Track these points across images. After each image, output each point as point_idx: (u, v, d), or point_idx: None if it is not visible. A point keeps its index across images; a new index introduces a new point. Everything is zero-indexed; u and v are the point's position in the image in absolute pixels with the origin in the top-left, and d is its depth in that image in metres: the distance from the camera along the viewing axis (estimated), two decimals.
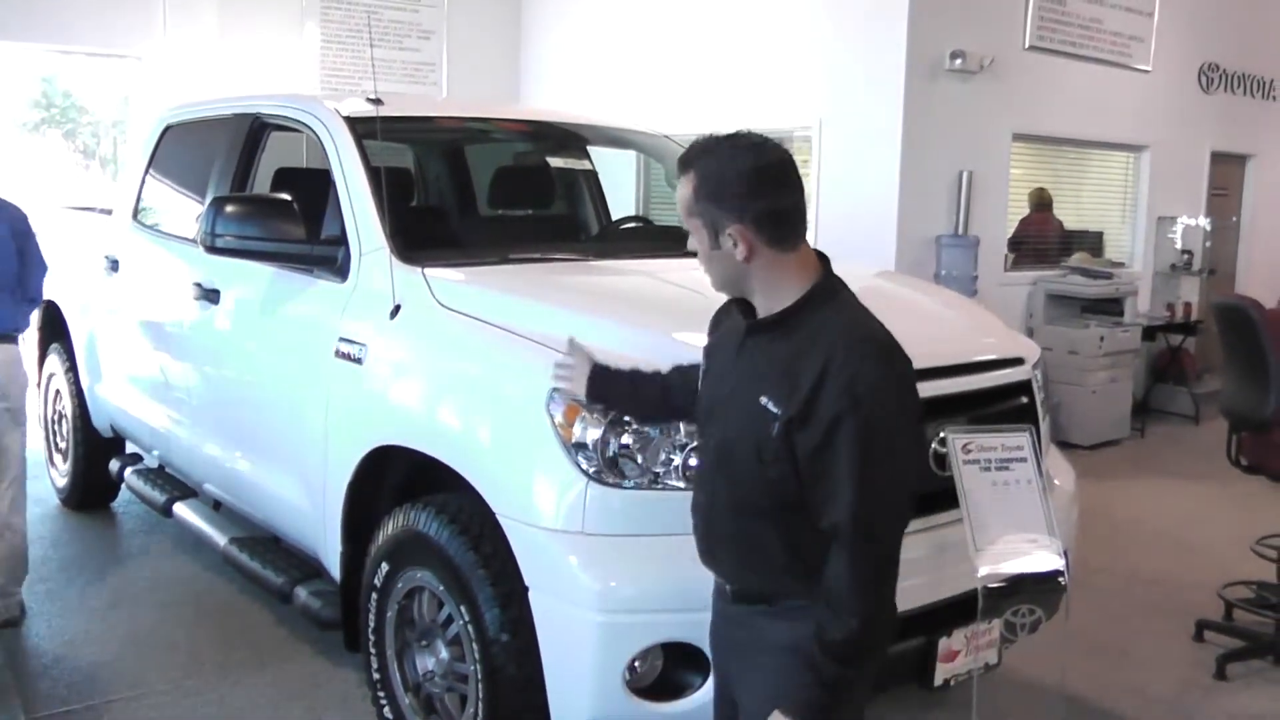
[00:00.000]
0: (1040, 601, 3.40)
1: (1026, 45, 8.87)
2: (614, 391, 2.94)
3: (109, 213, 6.30)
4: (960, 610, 3.22)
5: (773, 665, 2.30)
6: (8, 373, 4.87)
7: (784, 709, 2.19)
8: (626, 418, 3.06)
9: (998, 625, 3.36)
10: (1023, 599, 3.35)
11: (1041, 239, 9.80)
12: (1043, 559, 3.17)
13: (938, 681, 3.29)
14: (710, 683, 2.81)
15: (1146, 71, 10.08)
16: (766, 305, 2.29)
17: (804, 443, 2.15)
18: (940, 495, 3.20)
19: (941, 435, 3.22)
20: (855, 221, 8.06)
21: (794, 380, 2.17)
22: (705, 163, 2.25)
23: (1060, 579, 3.19)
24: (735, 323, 2.39)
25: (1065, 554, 3.22)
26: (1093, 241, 10.29)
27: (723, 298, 2.47)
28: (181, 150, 5.72)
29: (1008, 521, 3.18)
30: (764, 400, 2.20)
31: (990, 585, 3.12)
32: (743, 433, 2.25)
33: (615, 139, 5.85)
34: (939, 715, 4.16)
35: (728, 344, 2.40)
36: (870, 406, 2.12)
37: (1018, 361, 3.85)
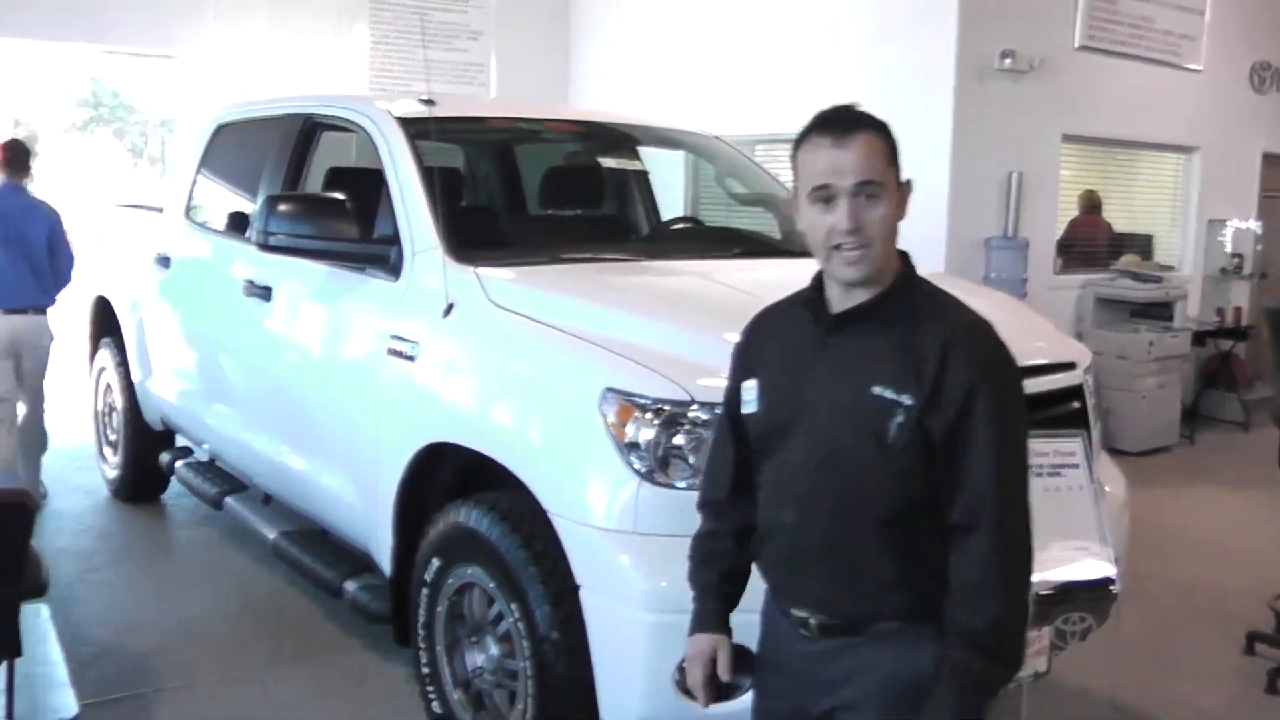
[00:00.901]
0: (1091, 609, 3.36)
1: (1077, 45, 8.80)
2: None
3: (159, 210, 6.36)
4: None
5: (883, 699, 2.19)
6: (40, 333, 6.36)
7: (938, 714, 2.09)
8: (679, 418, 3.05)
9: (1048, 633, 3.32)
10: (1073, 606, 3.31)
11: (1090, 241, 9.72)
12: (1094, 566, 3.13)
13: None
14: None
15: (1197, 71, 9.97)
16: (853, 296, 2.18)
17: (938, 423, 2.07)
18: None
19: None
20: (904, 223, 7.94)
21: (915, 362, 2.09)
22: (878, 122, 2.19)
23: (1111, 587, 3.15)
24: (798, 324, 2.28)
25: (1116, 561, 3.19)
26: (1142, 244, 10.17)
27: (764, 303, 2.42)
28: (233, 149, 5.77)
29: (1059, 528, 3.14)
30: (878, 390, 2.10)
31: (1041, 592, 3.09)
32: (856, 430, 2.12)
33: (665, 139, 5.85)
34: None
35: (788, 350, 2.28)
36: (999, 378, 2.12)
37: (1069, 366, 3.82)
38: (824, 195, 2.13)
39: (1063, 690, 4.38)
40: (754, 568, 2.44)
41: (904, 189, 2.21)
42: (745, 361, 2.38)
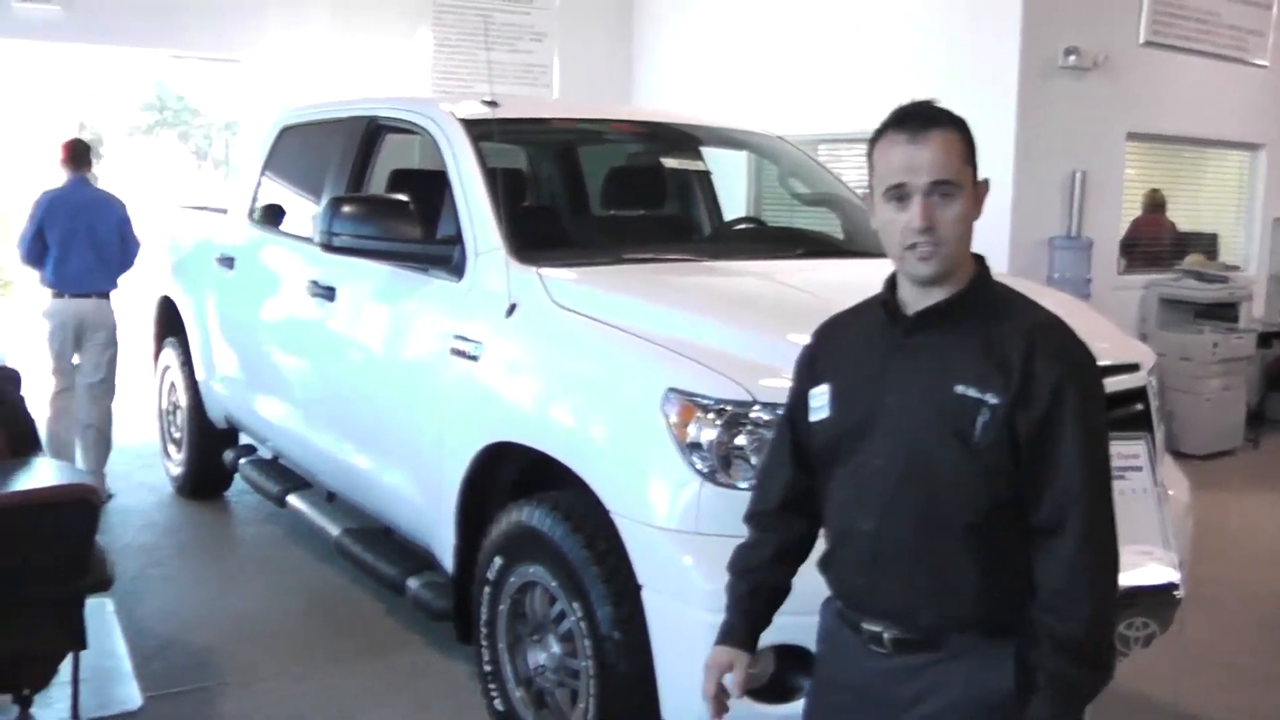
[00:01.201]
0: (1154, 614, 3.31)
1: (1141, 41, 8.70)
2: None
3: (223, 212, 6.45)
4: None
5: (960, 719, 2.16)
6: (104, 315, 6.66)
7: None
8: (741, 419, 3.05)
9: None
10: (1137, 612, 3.27)
11: (1154, 241, 9.61)
12: (1158, 571, 3.08)
13: None
14: None
15: (1264, 67, 9.82)
16: (929, 295, 2.15)
17: (1025, 421, 2.05)
18: None
19: None
20: None
21: (999, 360, 2.07)
22: (956, 119, 2.16)
23: (1175, 592, 3.10)
24: (871, 328, 2.26)
25: (1180, 566, 3.14)
26: (1207, 244, 10.03)
27: (834, 308, 2.40)
28: (297, 151, 5.83)
29: (1123, 532, 3.09)
30: (961, 389, 2.07)
31: None
32: (940, 431, 2.09)
33: (727, 139, 5.85)
34: None
35: (863, 353, 2.25)
36: (1085, 376, 2.11)
37: (1134, 367, 3.78)
38: (899, 193, 2.11)
39: (1125, 697, 4.32)
40: (792, 582, 2.42)
41: (980, 188, 2.18)
42: (813, 368, 2.34)
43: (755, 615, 2.42)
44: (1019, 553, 2.11)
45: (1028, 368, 2.06)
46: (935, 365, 2.12)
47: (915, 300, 2.17)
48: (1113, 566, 2.13)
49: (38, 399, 4.65)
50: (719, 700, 2.38)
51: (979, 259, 2.22)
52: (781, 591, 2.43)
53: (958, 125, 2.16)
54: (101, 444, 6.64)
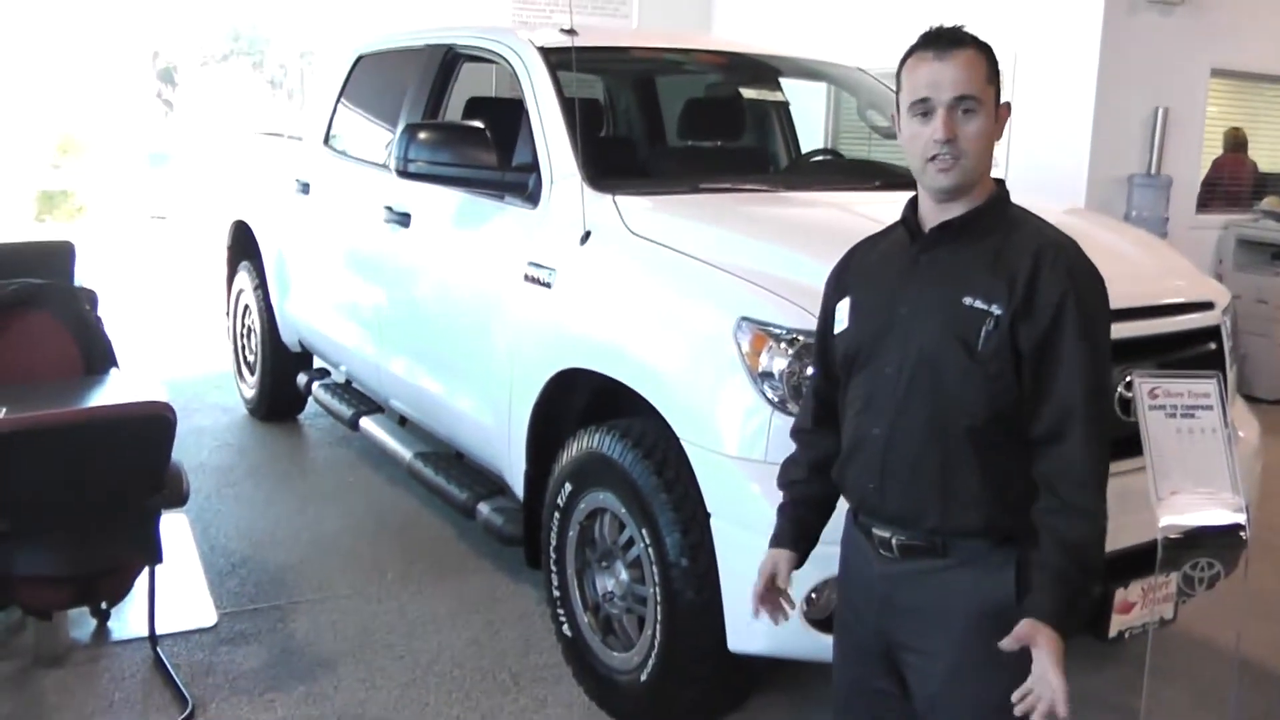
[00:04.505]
0: (1220, 556, 3.30)
1: None
2: None
3: (299, 139, 6.49)
4: (1138, 561, 3.14)
5: (964, 626, 2.25)
6: None
7: (1033, 613, 2.12)
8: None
9: (1175, 579, 3.28)
10: (1202, 552, 3.26)
11: (1235, 181, 9.42)
12: (1224, 512, 3.07)
13: (1112, 633, 3.24)
14: None
15: None
16: (946, 211, 2.25)
17: (1028, 333, 2.14)
18: (1122, 441, 3.13)
19: (1128, 379, 3.15)
20: (1046, 158, 7.85)
21: (1007, 273, 2.17)
22: (981, 42, 2.24)
23: (1241, 534, 3.08)
24: (893, 245, 2.37)
25: (1247, 509, 3.12)
26: None
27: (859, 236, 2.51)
28: (374, 79, 5.85)
29: (1190, 471, 3.08)
30: (969, 300, 2.17)
31: (1170, 536, 3.04)
32: (946, 339, 2.19)
33: (807, 71, 5.78)
34: (1110, 669, 4.09)
35: (883, 268, 2.35)
36: (1089, 290, 2.18)
37: (1208, 306, 3.74)
38: (924, 108, 2.20)
39: (1188, 640, 4.31)
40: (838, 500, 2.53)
41: (1003, 110, 2.27)
42: (840, 284, 2.48)
43: (800, 521, 2.56)
44: (1021, 463, 2.20)
45: (1033, 282, 2.15)
46: (947, 278, 2.23)
47: (933, 217, 2.28)
48: (1105, 478, 2.21)
49: (114, 319, 4.73)
50: (768, 598, 2.52)
51: (999, 182, 2.32)
52: (826, 501, 2.56)
53: (982, 48, 2.24)
54: None
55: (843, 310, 2.40)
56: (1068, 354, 2.14)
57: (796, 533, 2.54)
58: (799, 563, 2.53)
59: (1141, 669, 3.27)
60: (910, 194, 2.35)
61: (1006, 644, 2.14)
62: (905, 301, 2.26)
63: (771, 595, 2.52)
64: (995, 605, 2.22)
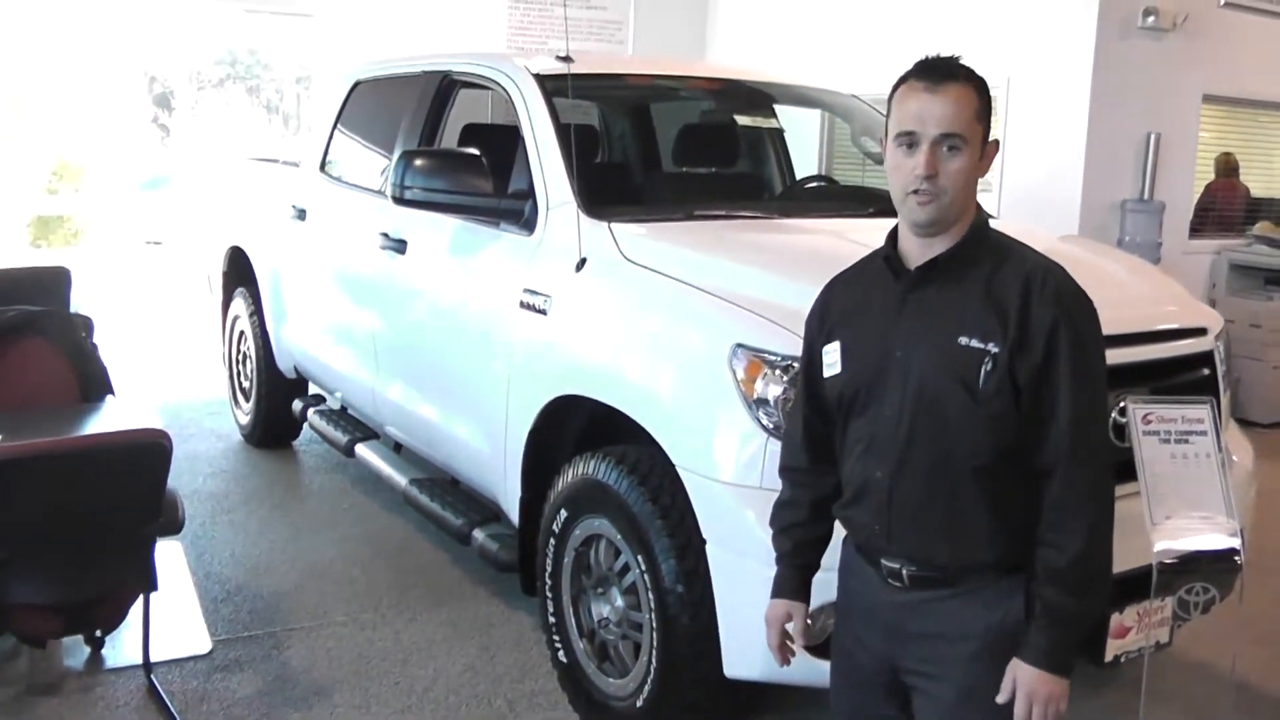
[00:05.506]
0: (1215, 581, 3.30)
1: (1222, 2, 8.52)
2: None
3: (294, 165, 6.51)
4: (1133, 586, 3.14)
5: (974, 652, 2.25)
6: None
7: (1026, 658, 2.17)
8: None
9: (1170, 603, 3.28)
10: (1197, 577, 3.26)
11: (1227, 206, 9.45)
12: (1219, 537, 3.08)
13: (1108, 658, 3.24)
14: None
15: None
16: (930, 248, 2.23)
17: (1026, 366, 2.14)
18: (1117, 467, 3.13)
19: (1122, 405, 3.16)
20: (1039, 184, 7.91)
21: (998, 308, 2.16)
22: (976, 77, 2.23)
23: (1236, 558, 3.09)
24: (875, 283, 2.34)
25: (1241, 533, 3.13)
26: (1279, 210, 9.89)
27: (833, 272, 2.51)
28: (370, 106, 5.86)
29: (1185, 496, 3.09)
30: (965, 340, 2.16)
31: (1165, 561, 3.05)
32: (945, 382, 2.18)
33: (801, 97, 5.81)
34: (1108, 693, 4.09)
35: (869, 308, 2.33)
36: (1079, 313, 2.18)
37: (1201, 332, 3.76)
38: (909, 140, 2.19)
39: (1184, 664, 4.32)
40: (835, 527, 2.53)
41: (990, 148, 2.26)
42: (823, 325, 2.44)
43: (803, 566, 2.54)
44: (1029, 493, 2.20)
45: (1024, 313, 2.15)
46: (939, 318, 2.21)
47: (917, 253, 2.26)
48: (1105, 504, 2.22)
49: (110, 345, 4.73)
50: (784, 650, 2.53)
51: (979, 210, 2.30)
52: (825, 539, 2.55)
53: (975, 82, 2.23)
54: None
55: (832, 354, 2.38)
56: (1063, 381, 2.14)
57: (799, 580, 2.53)
58: (813, 615, 2.55)
59: (1138, 693, 3.29)
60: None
61: (1001, 697, 2.18)
62: (898, 344, 2.25)
63: (787, 645, 2.54)
64: (1005, 631, 2.22)
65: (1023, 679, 2.17)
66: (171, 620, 4.40)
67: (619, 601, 3.63)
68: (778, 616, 2.52)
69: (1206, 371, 3.72)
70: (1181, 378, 3.60)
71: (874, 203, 4.55)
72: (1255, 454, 4.09)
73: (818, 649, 3.05)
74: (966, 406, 2.16)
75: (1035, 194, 7.83)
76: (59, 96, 13.74)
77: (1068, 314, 2.15)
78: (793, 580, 2.53)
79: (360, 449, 5.43)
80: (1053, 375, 2.14)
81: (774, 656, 2.54)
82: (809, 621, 3.01)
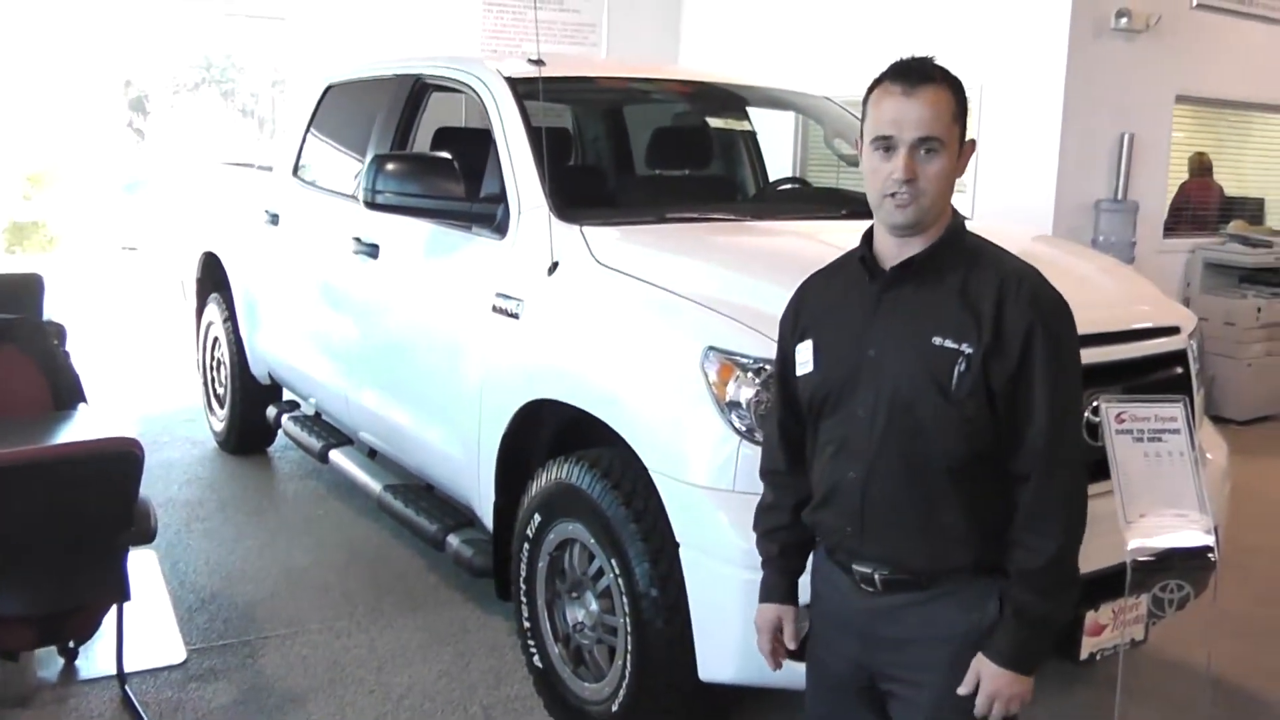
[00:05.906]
0: (1189, 578, 3.32)
1: (1194, 4, 8.57)
2: None
3: (268, 169, 6.48)
4: (1108, 584, 3.14)
5: (950, 655, 2.25)
6: None
7: (992, 657, 2.18)
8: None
9: (1145, 601, 3.29)
10: (1171, 574, 3.27)
11: (1201, 205, 9.50)
12: (1193, 534, 3.09)
13: (1083, 655, 3.25)
14: None
15: None
16: (906, 248, 2.23)
17: (1000, 368, 2.14)
18: (1090, 466, 3.14)
19: (1095, 404, 3.16)
20: (1013, 184, 7.94)
21: (973, 310, 2.16)
22: (952, 78, 2.22)
23: (1210, 555, 3.10)
24: (850, 283, 2.33)
25: (1215, 530, 3.14)
26: (1253, 208, 9.92)
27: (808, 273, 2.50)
28: (343, 109, 5.84)
29: (1158, 494, 3.09)
30: (939, 340, 2.16)
31: (1139, 559, 3.06)
32: (918, 382, 2.17)
33: (774, 100, 5.81)
34: (1083, 690, 4.10)
35: (843, 308, 2.32)
36: (1054, 318, 2.18)
37: (1174, 330, 3.77)
38: (886, 144, 2.18)
39: (1159, 661, 4.34)
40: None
41: (967, 147, 2.25)
42: (797, 325, 2.44)
43: (790, 569, 2.53)
44: (1004, 494, 2.20)
45: (999, 316, 2.14)
46: (914, 318, 2.20)
47: (893, 253, 2.25)
48: (1079, 507, 2.22)
49: (83, 352, 4.70)
50: (777, 655, 2.53)
51: (954, 213, 2.30)
52: (810, 541, 2.52)
53: (951, 83, 2.22)
54: None
55: (804, 352, 2.37)
56: (1039, 384, 2.13)
57: (787, 583, 2.53)
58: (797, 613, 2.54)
59: (1113, 690, 3.29)
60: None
61: (963, 690, 2.19)
62: (872, 343, 2.24)
63: (780, 649, 2.54)
64: (980, 633, 2.22)
65: (987, 675, 2.18)
66: (145, 630, 4.37)
67: (593, 606, 3.62)
68: (768, 622, 2.52)
69: (1180, 370, 3.73)
70: (1155, 376, 3.61)
71: (847, 205, 4.56)
72: (1229, 451, 4.11)
73: (793, 652, 3.06)
74: (940, 407, 2.16)
75: (1010, 195, 7.86)
76: (35, 101, 13.68)
77: (1044, 318, 2.15)
78: (781, 584, 2.52)
79: (334, 455, 5.41)
80: (1028, 379, 2.14)
81: (767, 662, 2.53)
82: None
